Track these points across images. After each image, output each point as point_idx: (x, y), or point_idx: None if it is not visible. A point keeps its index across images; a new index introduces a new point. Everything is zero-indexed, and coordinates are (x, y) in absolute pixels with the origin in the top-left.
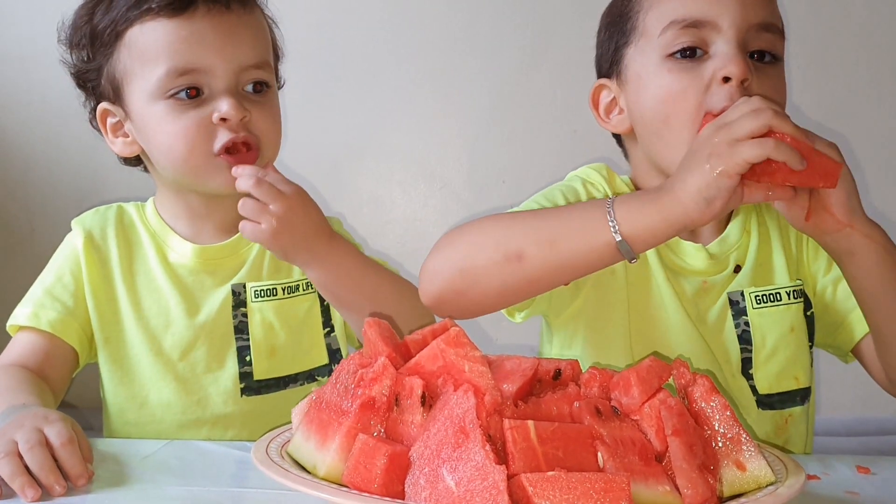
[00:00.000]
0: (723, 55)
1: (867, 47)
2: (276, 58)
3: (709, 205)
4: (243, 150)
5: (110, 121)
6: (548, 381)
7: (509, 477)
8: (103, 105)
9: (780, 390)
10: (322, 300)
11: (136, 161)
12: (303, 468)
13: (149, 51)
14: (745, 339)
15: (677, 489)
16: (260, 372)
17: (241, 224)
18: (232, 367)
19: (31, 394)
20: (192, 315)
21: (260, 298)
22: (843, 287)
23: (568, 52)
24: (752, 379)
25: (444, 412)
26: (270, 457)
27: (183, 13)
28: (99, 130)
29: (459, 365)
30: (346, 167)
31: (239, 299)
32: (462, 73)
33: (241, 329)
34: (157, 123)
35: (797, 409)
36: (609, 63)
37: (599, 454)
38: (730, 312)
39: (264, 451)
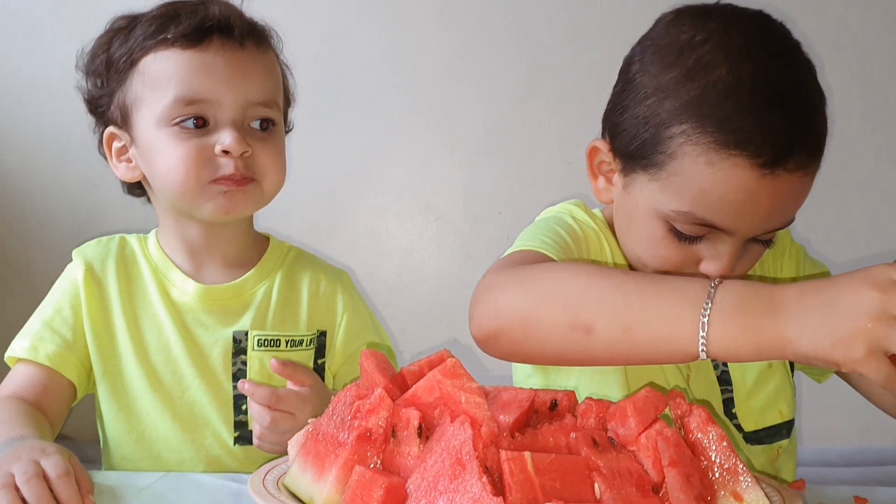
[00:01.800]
0: None
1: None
2: (287, 102)
3: (831, 356)
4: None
5: (115, 145)
6: (544, 412)
7: None
8: (110, 129)
9: (766, 425)
10: (316, 359)
11: (139, 190)
12: (300, 500)
13: (160, 78)
14: (724, 380)
15: None
16: None
17: (258, 445)
18: (227, 413)
19: (27, 426)
20: (193, 355)
21: (262, 348)
22: None
23: (562, 84)
24: (736, 418)
25: (441, 444)
26: (267, 489)
27: (197, 45)
28: (102, 155)
29: (456, 396)
30: (343, 199)
31: (240, 347)
32: (458, 107)
33: (239, 377)
34: (160, 148)
35: (785, 442)
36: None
37: (596, 485)
38: None
39: (261, 483)
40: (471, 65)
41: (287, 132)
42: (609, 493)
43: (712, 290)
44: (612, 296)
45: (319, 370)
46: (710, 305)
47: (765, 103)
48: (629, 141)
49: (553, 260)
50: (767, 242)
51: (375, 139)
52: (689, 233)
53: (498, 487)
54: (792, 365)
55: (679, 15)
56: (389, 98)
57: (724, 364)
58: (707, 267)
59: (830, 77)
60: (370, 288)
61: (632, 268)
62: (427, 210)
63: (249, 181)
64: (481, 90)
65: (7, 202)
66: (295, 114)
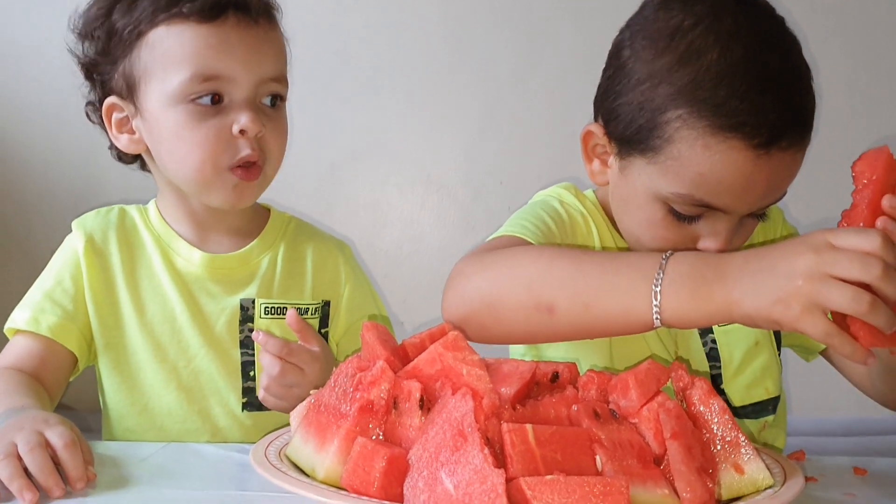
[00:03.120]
0: None
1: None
2: None
3: (771, 314)
4: (252, 167)
5: (116, 115)
6: (545, 383)
7: (508, 480)
8: (112, 99)
9: (753, 401)
10: (320, 328)
11: (132, 158)
12: (301, 471)
13: (174, 53)
14: (713, 356)
15: (676, 492)
16: None
17: (263, 397)
18: (236, 381)
19: (28, 396)
20: (199, 324)
21: (269, 316)
22: None
23: (562, 55)
24: (724, 394)
25: (443, 415)
26: (269, 459)
27: (213, 21)
28: (95, 122)
29: (457, 368)
30: (344, 170)
31: (247, 314)
32: (458, 77)
33: (247, 344)
34: (175, 128)
35: (771, 417)
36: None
37: (598, 457)
38: (697, 331)
39: (263, 453)
40: (471, 36)
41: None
42: (610, 465)
43: (664, 262)
44: (571, 275)
45: (324, 337)
46: (661, 276)
47: (757, 85)
48: (625, 126)
49: (532, 244)
50: (761, 216)
51: (376, 111)
52: (688, 213)
53: (499, 459)
54: (779, 343)
55: None
56: (390, 70)
57: (713, 341)
58: (705, 244)
59: (815, 50)
60: (371, 258)
61: (623, 248)
62: (428, 181)
63: (258, 172)
64: (482, 61)
65: (6, 171)
66: (297, 86)
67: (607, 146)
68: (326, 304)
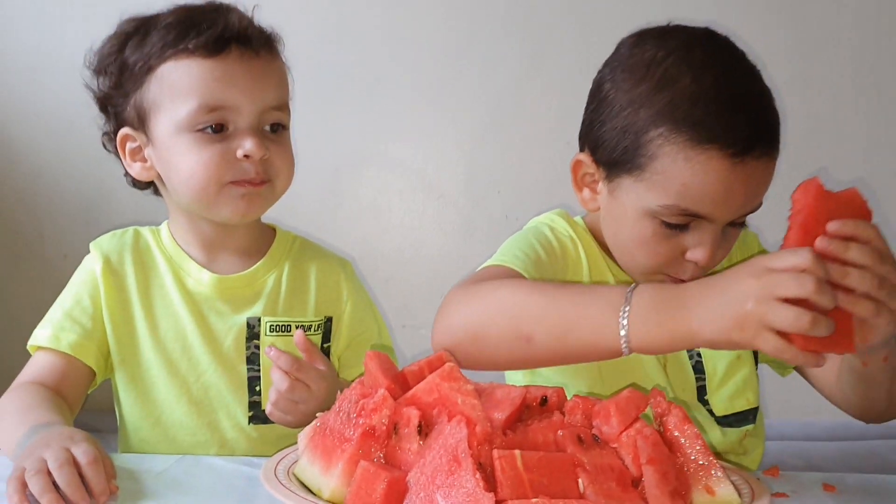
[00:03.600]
0: None
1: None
2: None
3: (731, 338)
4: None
5: (129, 145)
6: (535, 407)
7: (498, 503)
8: (125, 130)
9: (735, 411)
10: (322, 343)
11: (146, 185)
12: (308, 490)
13: (181, 86)
14: (698, 369)
15: None
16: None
17: (270, 411)
18: (242, 395)
19: (52, 412)
20: (208, 341)
21: (273, 333)
22: None
23: (562, 66)
24: (708, 404)
25: (439, 441)
26: (279, 478)
27: (217, 55)
28: (110, 151)
29: (453, 397)
30: (347, 177)
31: (253, 332)
32: (459, 87)
33: (253, 360)
34: (181, 153)
35: (751, 426)
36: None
37: (580, 480)
38: None
39: (273, 471)
40: (472, 46)
41: None
42: (592, 488)
43: (629, 295)
44: (546, 310)
45: (325, 354)
46: (627, 309)
47: (729, 104)
48: (611, 150)
49: (521, 275)
50: (741, 225)
51: (378, 119)
52: (676, 222)
53: (490, 483)
54: (756, 359)
55: (641, 37)
56: (392, 80)
57: (699, 355)
58: (693, 254)
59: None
60: (373, 263)
61: (616, 263)
62: (428, 188)
63: (265, 183)
64: (482, 70)
65: (19, 177)
66: (301, 94)
67: (596, 173)
68: (329, 320)
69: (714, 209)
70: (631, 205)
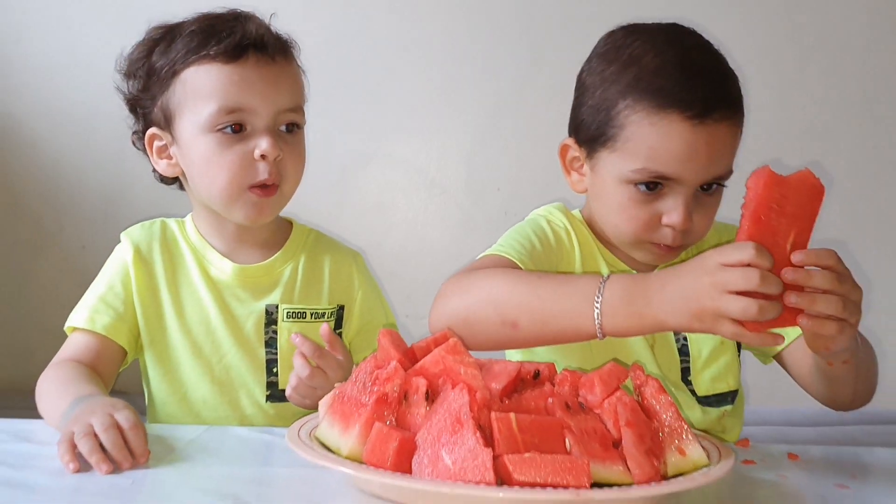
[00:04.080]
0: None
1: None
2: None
3: (693, 327)
4: (269, 188)
5: (157, 144)
6: (529, 379)
7: (495, 458)
8: (153, 130)
9: (715, 392)
10: (335, 328)
11: (171, 180)
12: (328, 449)
13: (203, 89)
14: (684, 351)
15: (629, 469)
16: (284, 382)
17: (289, 394)
18: (261, 376)
19: (91, 384)
20: (230, 326)
21: (290, 319)
22: None
23: (561, 68)
24: (691, 384)
25: (444, 406)
26: (302, 440)
27: (236, 61)
28: (140, 149)
29: (456, 369)
30: (352, 174)
31: (271, 318)
32: (461, 89)
33: (271, 344)
34: (204, 154)
35: (730, 407)
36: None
37: (567, 441)
38: None
39: (297, 434)
40: (473, 46)
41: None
42: (577, 447)
43: (602, 286)
44: (529, 298)
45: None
46: (599, 299)
47: (688, 72)
48: (588, 128)
49: (516, 264)
50: (713, 193)
51: (383, 119)
52: (649, 182)
53: (488, 441)
54: (738, 346)
55: (613, 31)
56: (396, 80)
57: (685, 339)
58: (669, 218)
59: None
60: (378, 258)
61: (611, 252)
62: (431, 186)
63: (275, 190)
64: (483, 74)
65: (40, 171)
66: (312, 98)
67: (579, 153)
68: (341, 308)
69: (681, 170)
70: (609, 175)
